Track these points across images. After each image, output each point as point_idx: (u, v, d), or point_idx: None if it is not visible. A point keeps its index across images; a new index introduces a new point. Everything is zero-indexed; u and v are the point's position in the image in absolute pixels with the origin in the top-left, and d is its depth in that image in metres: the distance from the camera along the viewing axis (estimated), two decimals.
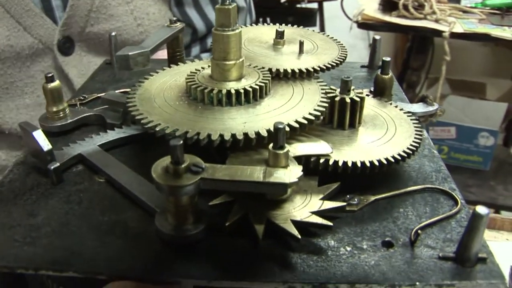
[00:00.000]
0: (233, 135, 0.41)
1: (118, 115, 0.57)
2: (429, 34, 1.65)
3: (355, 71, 0.74)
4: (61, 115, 0.57)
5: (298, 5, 2.19)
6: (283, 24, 0.63)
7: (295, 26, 0.64)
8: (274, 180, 0.37)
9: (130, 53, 0.50)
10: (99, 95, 0.64)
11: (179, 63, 0.56)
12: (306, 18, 2.08)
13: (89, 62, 0.89)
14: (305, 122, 0.44)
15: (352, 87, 0.49)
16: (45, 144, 0.48)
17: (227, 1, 0.45)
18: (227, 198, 0.42)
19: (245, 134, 0.41)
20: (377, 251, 0.41)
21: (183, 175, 0.37)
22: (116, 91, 0.63)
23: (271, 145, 0.40)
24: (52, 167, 0.48)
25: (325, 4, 2.38)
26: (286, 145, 0.40)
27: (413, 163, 0.52)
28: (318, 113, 0.45)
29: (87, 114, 0.58)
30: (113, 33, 0.71)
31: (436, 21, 1.65)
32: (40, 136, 0.48)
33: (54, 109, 0.57)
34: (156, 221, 0.41)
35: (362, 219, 0.44)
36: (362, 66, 0.75)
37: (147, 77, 0.53)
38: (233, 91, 0.45)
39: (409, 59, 1.91)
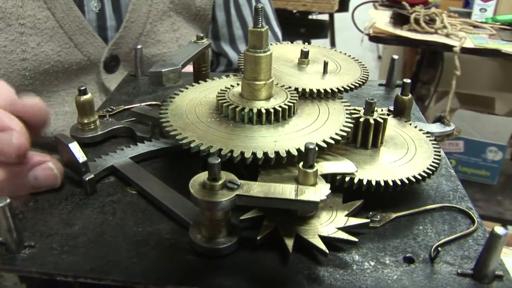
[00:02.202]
0: (265, 154, 0.43)
1: (147, 128, 0.59)
2: (440, 49, 1.67)
3: (373, 89, 0.76)
4: (92, 126, 0.59)
5: (310, 17, 2.22)
6: (305, 43, 0.66)
7: (318, 45, 0.66)
8: (306, 198, 0.39)
9: (163, 70, 0.52)
10: (126, 107, 0.66)
11: (207, 79, 0.59)
12: (318, 30, 2.11)
13: None
14: (332, 142, 0.46)
15: (375, 108, 0.51)
16: (80, 155, 0.50)
17: (260, 24, 0.47)
18: (257, 213, 0.44)
19: (276, 153, 0.44)
20: (399, 266, 0.43)
21: (219, 191, 0.39)
22: (143, 104, 0.65)
23: (301, 163, 0.42)
24: (87, 178, 0.50)
25: (335, 15, 2.41)
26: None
27: (431, 182, 0.54)
28: (344, 134, 0.47)
29: (116, 127, 0.60)
30: (139, 46, 0.74)
31: (447, 35, 1.68)
32: (75, 148, 0.50)
33: (86, 120, 0.59)
34: (190, 233, 0.43)
35: (384, 235, 0.46)
36: (380, 85, 0.77)
37: (177, 93, 0.55)
38: (263, 110, 0.47)
39: (419, 72, 1.93)
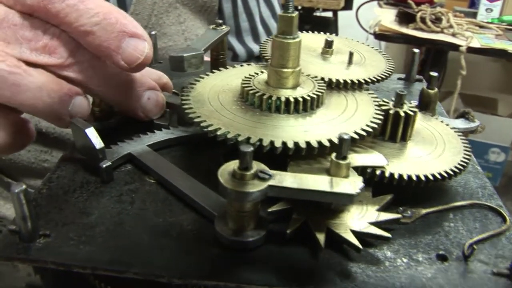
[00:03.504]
0: (296, 143, 0.42)
1: (165, 115, 0.57)
2: (446, 48, 1.67)
3: (392, 83, 0.74)
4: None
5: (315, 14, 2.20)
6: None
7: (340, 35, 0.64)
8: (341, 191, 0.37)
9: (185, 55, 0.50)
10: None
11: (227, 66, 0.57)
12: (323, 27, 2.09)
13: None
14: (364, 134, 0.44)
15: (405, 101, 0.50)
16: (97, 142, 0.48)
17: (290, 9, 0.45)
18: (285, 206, 0.42)
19: (308, 143, 0.42)
20: (433, 264, 0.41)
21: (250, 182, 0.37)
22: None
23: (333, 154, 0.40)
24: (104, 165, 0.48)
25: (339, 13, 2.40)
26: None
27: (459, 179, 0.53)
28: (376, 125, 0.46)
29: None
30: (153, 32, 0.71)
31: (453, 35, 1.67)
32: (92, 134, 0.48)
33: (100, 107, 0.57)
34: (215, 225, 0.41)
35: (415, 231, 0.45)
36: (399, 79, 0.76)
37: (198, 79, 0.53)
38: (291, 99, 0.46)
39: (422, 72, 1.92)
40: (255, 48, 1.05)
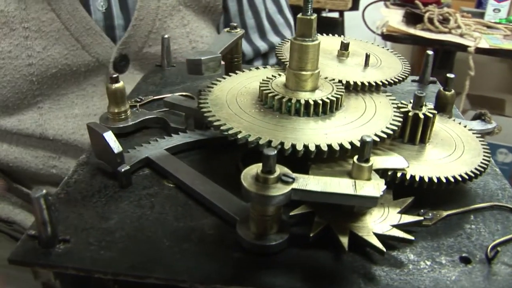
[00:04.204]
0: (318, 146, 0.41)
1: (180, 119, 0.57)
2: (454, 49, 1.66)
3: (406, 85, 0.74)
4: (123, 116, 0.57)
5: (321, 14, 2.20)
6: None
7: (354, 38, 0.64)
8: (365, 194, 0.37)
9: (202, 58, 0.50)
10: (156, 97, 0.64)
11: (243, 69, 0.56)
12: (331, 27, 2.08)
13: None
14: (385, 136, 0.44)
15: (424, 103, 0.49)
16: (115, 146, 0.48)
17: (309, 12, 0.45)
18: (307, 209, 0.42)
19: (329, 146, 0.41)
20: (456, 266, 0.41)
21: (273, 185, 0.37)
22: (176, 94, 0.63)
23: (356, 157, 0.40)
24: (122, 170, 0.48)
25: (345, 14, 2.39)
26: None
27: (478, 181, 0.52)
28: (396, 128, 0.45)
29: (149, 117, 0.58)
30: (166, 36, 0.72)
31: (461, 35, 1.66)
32: (110, 138, 0.48)
33: (116, 110, 0.57)
34: (237, 229, 0.41)
35: (437, 234, 0.44)
36: (413, 81, 0.75)
37: (215, 83, 0.53)
38: (311, 102, 0.45)
39: (431, 72, 1.91)
40: (262, 45, 1.04)
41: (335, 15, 2.39)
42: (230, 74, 0.55)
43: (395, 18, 1.83)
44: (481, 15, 1.88)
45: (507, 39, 1.66)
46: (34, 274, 0.43)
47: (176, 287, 0.39)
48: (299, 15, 0.45)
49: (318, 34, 0.64)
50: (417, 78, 0.75)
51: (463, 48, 1.59)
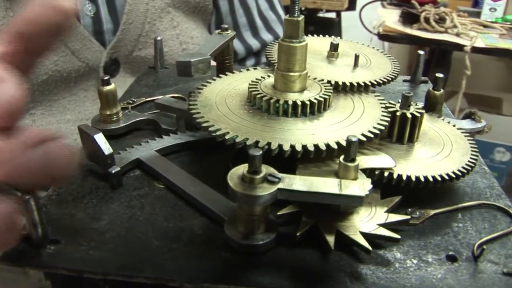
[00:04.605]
0: (304, 146, 0.42)
1: (171, 121, 0.58)
2: (450, 48, 1.66)
3: (398, 85, 0.75)
4: (115, 118, 0.57)
5: (318, 15, 2.21)
6: (314, 35, 0.65)
7: (344, 37, 0.65)
8: (351, 193, 0.37)
9: (192, 60, 0.50)
10: (148, 99, 0.64)
11: (234, 71, 0.57)
12: (327, 28, 2.09)
13: None
14: (372, 136, 0.44)
15: (412, 102, 0.50)
16: (106, 147, 0.48)
17: (296, 13, 0.45)
18: (294, 209, 0.42)
19: (316, 146, 0.42)
20: (443, 264, 0.41)
21: (259, 185, 0.37)
22: (167, 96, 0.64)
23: (342, 157, 0.40)
24: (113, 171, 0.48)
25: (342, 14, 2.40)
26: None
27: (467, 179, 0.53)
28: (383, 127, 0.46)
29: (140, 119, 0.59)
30: (159, 38, 0.72)
31: (457, 35, 1.66)
32: (101, 140, 0.48)
33: (108, 112, 0.57)
34: (225, 229, 0.41)
35: (424, 232, 0.45)
36: (405, 80, 0.76)
37: (205, 84, 0.53)
38: (299, 103, 0.46)
39: (426, 72, 1.91)
40: (254, 44, 1.04)
41: (332, 15, 2.39)
42: (220, 75, 0.56)
43: (391, 18, 1.83)
44: (478, 15, 1.89)
45: (503, 38, 1.66)
46: (25, 275, 0.44)
47: (165, 286, 0.40)
48: (286, 17, 0.45)
49: (309, 35, 0.64)
50: (408, 77, 0.76)
51: (459, 47, 1.59)
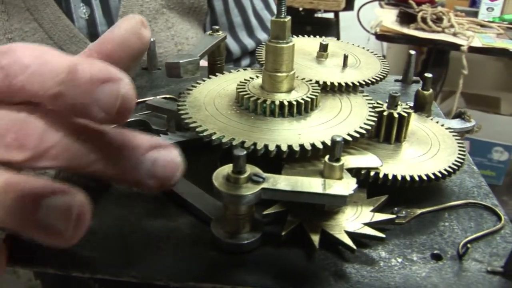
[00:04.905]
0: (290, 146, 0.42)
1: (162, 121, 0.58)
2: (447, 48, 1.67)
3: (389, 85, 0.75)
4: None
5: (316, 15, 2.21)
6: (310, 36, 0.66)
7: (341, 37, 0.65)
8: (334, 192, 0.38)
9: (181, 61, 0.50)
10: (139, 100, 0.65)
11: (224, 72, 0.57)
12: (325, 28, 2.10)
13: None
14: (357, 135, 0.45)
15: (399, 102, 0.50)
16: None
17: (282, 14, 0.46)
18: (280, 208, 0.43)
19: (301, 146, 0.42)
20: (427, 263, 0.42)
21: (244, 185, 0.38)
22: (158, 97, 0.64)
23: (327, 157, 0.41)
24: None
25: (340, 14, 2.40)
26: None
27: (455, 178, 0.53)
28: (369, 127, 0.46)
29: (131, 119, 0.59)
30: (152, 39, 0.72)
31: (454, 34, 1.67)
32: None
33: None
34: (212, 229, 0.42)
35: (410, 231, 0.45)
36: (396, 80, 0.76)
37: (195, 85, 0.54)
38: (286, 103, 0.46)
39: (424, 72, 1.92)
40: (249, 43, 1.04)
41: (330, 15, 2.40)
42: (210, 76, 0.56)
43: (389, 18, 1.84)
44: (475, 14, 1.89)
45: (500, 38, 1.66)
46: (15, 274, 0.44)
47: (153, 285, 0.40)
48: (273, 18, 0.46)
49: (300, 36, 0.65)
50: (400, 77, 0.76)
51: (456, 47, 1.60)
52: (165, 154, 0.37)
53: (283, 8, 0.46)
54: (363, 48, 0.64)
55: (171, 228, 0.44)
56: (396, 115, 0.49)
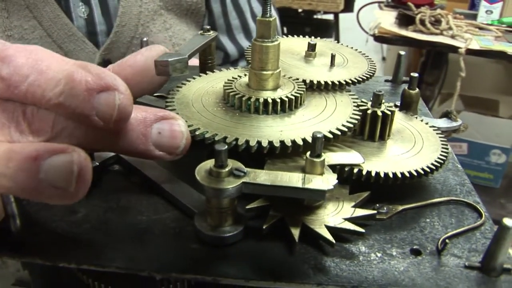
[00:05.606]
0: (270, 142, 0.43)
1: None
2: (445, 50, 1.67)
3: (379, 84, 0.76)
4: None
5: (315, 16, 2.22)
6: (306, 36, 0.66)
7: (324, 39, 0.66)
8: (313, 187, 0.39)
9: (169, 59, 0.51)
10: None
11: (214, 70, 0.58)
12: (323, 29, 2.11)
13: None
14: (339, 133, 0.46)
15: (383, 101, 0.51)
16: None
17: (268, 14, 0.47)
18: (263, 203, 0.44)
19: (282, 142, 0.43)
20: (406, 258, 0.42)
21: (225, 179, 0.39)
22: (148, 95, 0.65)
23: (308, 153, 0.42)
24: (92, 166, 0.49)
25: (340, 16, 2.41)
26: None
27: (438, 176, 0.54)
28: (351, 125, 0.47)
29: None
30: (145, 38, 0.73)
31: (453, 37, 1.67)
32: None
33: None
34: (195, 222, 0.43)
35: (391, 227, 0.46)
36: (386, 80, 0.77)
37: (184, 83, 0.55)
38: (270, 100, 0.47)
39: (423, 74, 1.93)
40: (247, 45, 1.04)
41: (330, 17, 2.41)
42: (200, 74, 0.57)
43: (388, 19, 1.85)
44: (474, 17, 1.90)
45: (498, 40, 1.67)
46: (3, 264, 0.45)
47: (136, 276, 0.41)
48: (258, 17, 0.47)
49: (289, 36, 0.66)
50: (390, 77, 0.77)
51: (454, 49, 1.60)
52: (170, 125, 0.41)
53: (268, 7, 0.47)
54: (351, 48, 0.65)
55: (155, 221, 0.45)
56: (379, 113, 0.50)
